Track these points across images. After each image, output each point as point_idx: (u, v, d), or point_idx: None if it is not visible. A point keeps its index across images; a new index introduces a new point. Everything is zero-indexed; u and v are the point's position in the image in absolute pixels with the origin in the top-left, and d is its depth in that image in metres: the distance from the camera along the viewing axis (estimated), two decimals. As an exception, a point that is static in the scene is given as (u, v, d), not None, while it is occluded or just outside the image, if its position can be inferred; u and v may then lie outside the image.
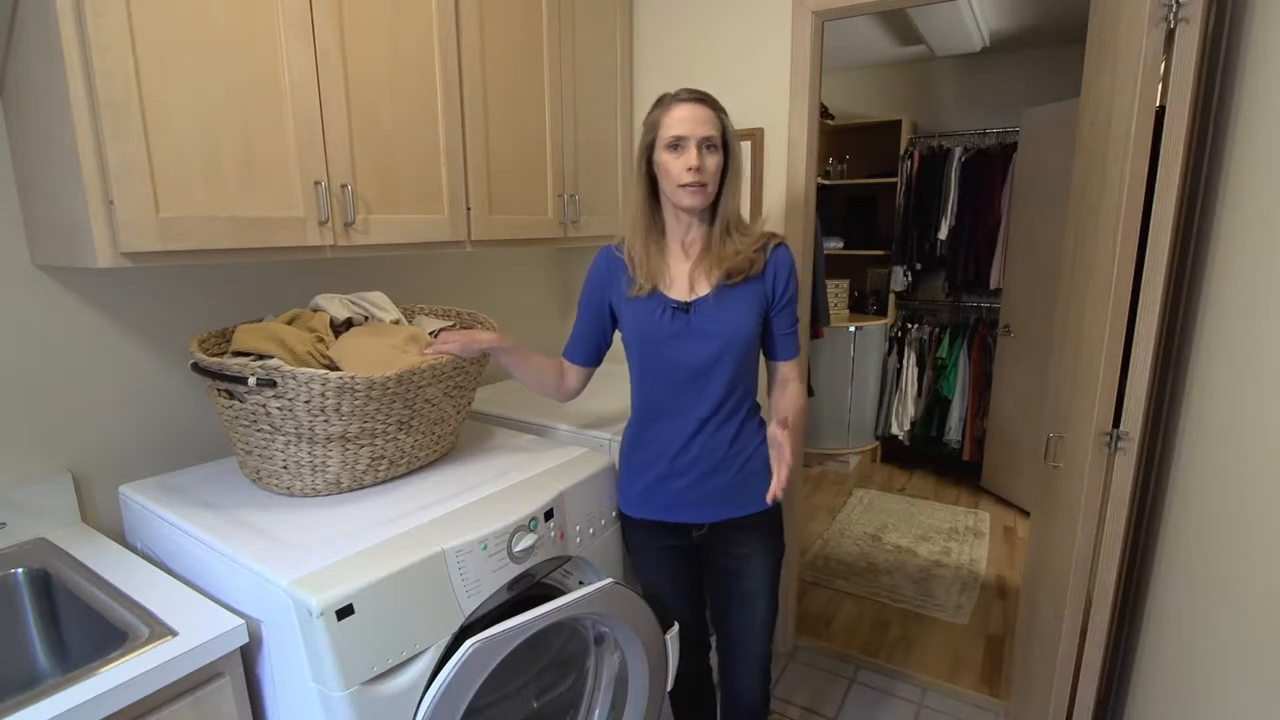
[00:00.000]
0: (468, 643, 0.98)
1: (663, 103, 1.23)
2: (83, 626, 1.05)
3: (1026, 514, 3.42)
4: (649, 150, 1.24)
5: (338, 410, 1.11)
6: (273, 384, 1.06)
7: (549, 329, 2.35)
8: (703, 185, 1.21)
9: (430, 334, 1.36)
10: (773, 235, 1.31)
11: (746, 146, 1.94)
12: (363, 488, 1.24)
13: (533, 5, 1.67)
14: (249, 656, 1.01)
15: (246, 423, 1.14)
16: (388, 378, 1.13)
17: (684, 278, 1.29)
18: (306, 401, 1.09)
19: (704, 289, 1.26)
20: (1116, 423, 1.36)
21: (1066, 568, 1.49)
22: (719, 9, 1.94)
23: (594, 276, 1.37)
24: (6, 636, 1.09)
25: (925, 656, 2.32)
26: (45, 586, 1.11)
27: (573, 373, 1.42)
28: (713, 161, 1.21)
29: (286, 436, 1.13)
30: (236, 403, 1.12)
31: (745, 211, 1.43)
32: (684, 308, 1.26)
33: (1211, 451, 1.18)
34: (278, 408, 1.09)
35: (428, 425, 1.29)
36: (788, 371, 1.34)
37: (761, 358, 1.36)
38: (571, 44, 1.80)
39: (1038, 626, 1.73)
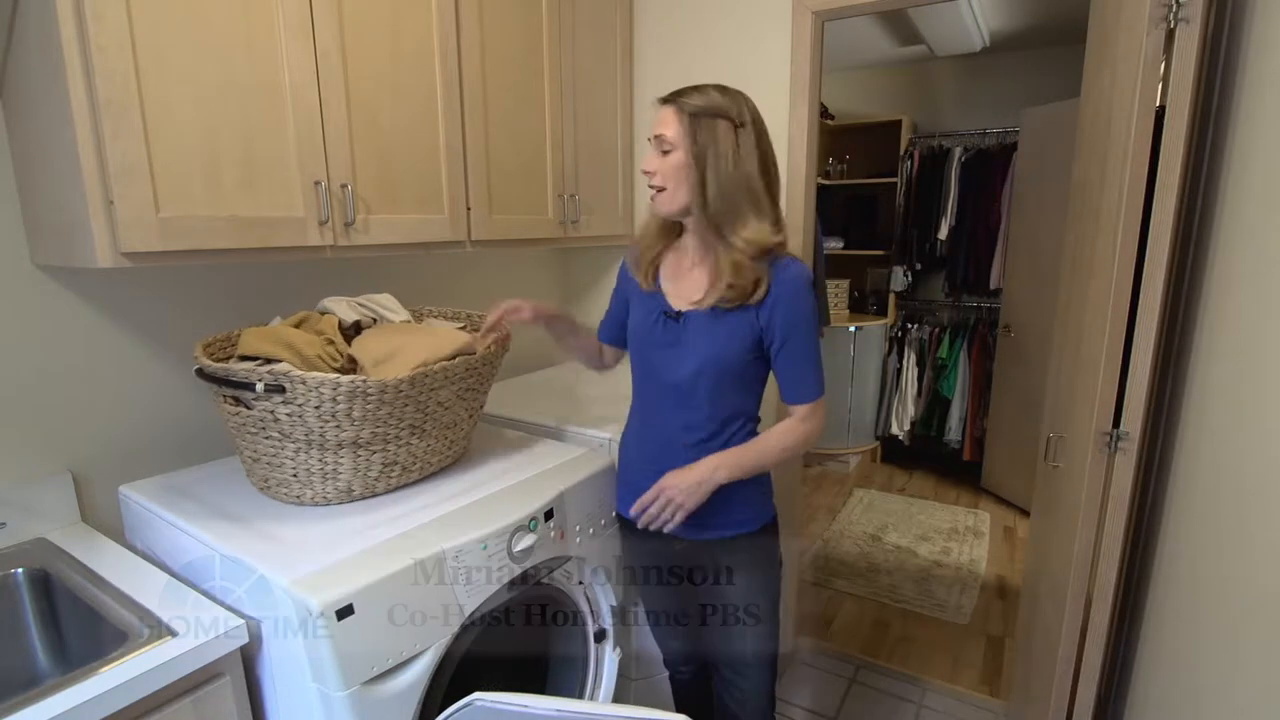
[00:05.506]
0: (475, 695, 0.92)
1: None
2: (83, 626, 1.05)
3: (1026, 514, 3.42)
4: None
5: (349, 415, 1.09)
6: (281, 390, 1.04)
7: (549, 329, 2.35)
8: (660, 189, 1.16)
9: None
10: (780, 249, 1.16)
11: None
12: (375, 495, 1.21)
13: (533, 5, 1.67)
14: (249, 656, 1.01)
15: (254, 430, 1.11)
16: (400, 380, 1.11)
17: (684, 284, 1.23)
18: (316, 407, 1.06)
19: (703, 301, 1.19)
20: (1116, 423, 1.36)
21: (1066, 568, 1.49)
22: (719, 9, 1.93)
23: (622, 267, 1.37)
24: (6, 636, 1.09)
25: (925, 656, 2.32)
26: (45, 586, 1.11)
27: (608, 350, 1.45)
28: (663, 163, 1.14)
29: (296, 444, 1.10)
30: (244, 409, 1.09)
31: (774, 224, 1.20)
32: (675, 317, 1.21)
33: (1212, 451, 1.18)
34: (286, 414, 1.07)
35: (440, 429, 1.26)
36: (797, 412, 1.22)
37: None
38: (571, 44, 1.80)
39: (1038, 626, 1.73)
